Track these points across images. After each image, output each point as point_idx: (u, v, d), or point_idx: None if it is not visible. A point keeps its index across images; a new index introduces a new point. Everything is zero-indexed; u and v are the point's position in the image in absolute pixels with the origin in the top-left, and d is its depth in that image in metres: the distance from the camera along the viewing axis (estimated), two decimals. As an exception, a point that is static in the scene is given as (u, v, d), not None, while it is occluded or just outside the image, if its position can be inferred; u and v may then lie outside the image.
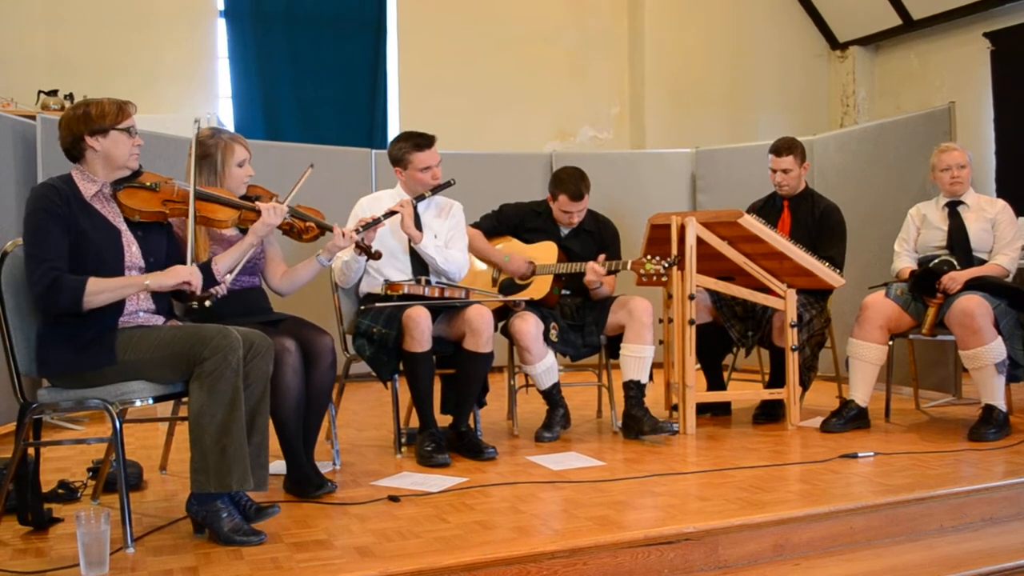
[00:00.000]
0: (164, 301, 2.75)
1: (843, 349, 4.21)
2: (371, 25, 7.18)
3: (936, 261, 4.01)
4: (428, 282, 3.57)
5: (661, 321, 4.23)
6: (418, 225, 3.69)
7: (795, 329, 3.95)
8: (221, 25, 6.84)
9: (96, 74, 6.29)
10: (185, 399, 2.66)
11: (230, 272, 2.89)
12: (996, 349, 3.66)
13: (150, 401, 2.60)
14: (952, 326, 3.75)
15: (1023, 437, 3.69)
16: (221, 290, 2.81)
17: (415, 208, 3.70)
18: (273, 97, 6.89)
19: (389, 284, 3.53)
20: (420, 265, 3.71)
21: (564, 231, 4.11)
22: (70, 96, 6.02)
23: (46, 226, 2.49)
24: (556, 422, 3.90)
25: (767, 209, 4.41)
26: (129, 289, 2.57)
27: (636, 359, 3.83)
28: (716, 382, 4.45)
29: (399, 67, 7.29)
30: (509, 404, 4.15)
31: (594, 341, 3.98)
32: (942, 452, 3.47)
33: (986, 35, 6.81)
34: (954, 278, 3.81)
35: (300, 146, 5.87)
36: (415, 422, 3.67)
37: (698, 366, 4.08)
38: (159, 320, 2.70)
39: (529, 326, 3.75)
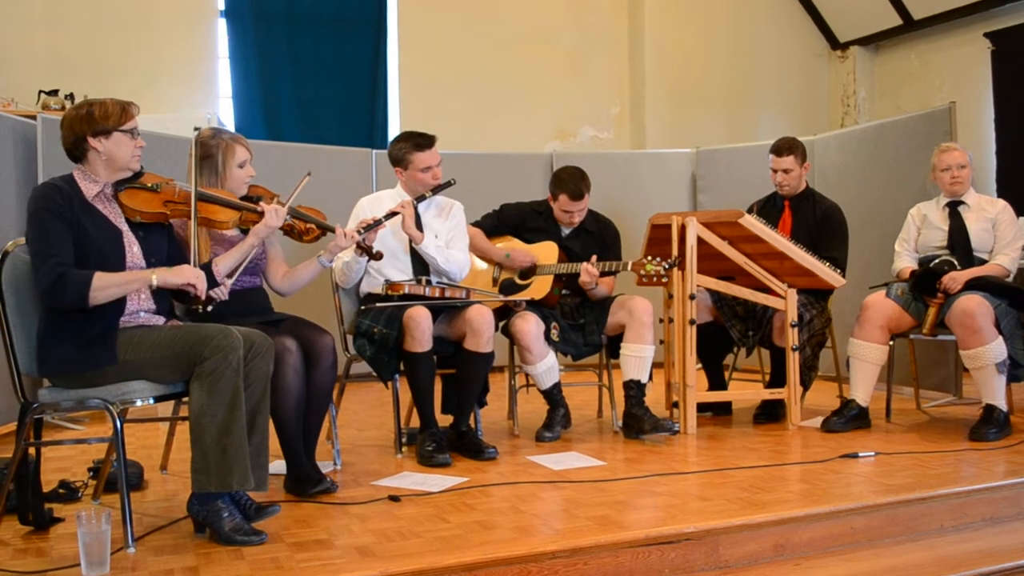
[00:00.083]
0: (165, 301, 2.75)
1: (844, 349, 4.21)
2: (371, 25, 7.18)
3: (937, 261, 4.01)
4: (429, 282, 3.57)
5: (661, 321, 4.23)
6: (419, 225, 3.69)
7: (796, 329, 3.95)
8: (221, 25, 6.85)
9: (96, 74, 6.29)
10: (186, 399, 2.66)
11: (231, 275, 2.90)
12: (997, 349, 3.66)
13: (151, 401, 2.60)
14: (953, 326, 3.75)
15: (1023, 437, 3.70)
16: (223, 294, 2.81)
17: (415, 208, 3.70)
18: (273, 97, 6.89)
19: (390, 284, 3.52)
20: (421, 265, 3.71)
21: (565, 231, 4.11)
22: (71, 96, 6.03)
23: (50, 224, 2.49)
24: (557, 422, 3.90)
25: (768, 209, 4.41)
26: (135, 284, 2.56)
27: (636, 359, 3.83)
28: (717, 382, 4.45)
29: (399, 67, 7.29)
30: (510, 404, 4.15)
31: (595, 340, 3.98)
32: (943, 452, 3.47)
33: (986, 35, 6.81)
34: (954, 278, 3.81)
35: (300, 146, 5.86)
36: (416, 422, 3.67)
37: (699, 366, 4.08)
38: (160, 320, 2.70)
39: (530, 326, 3.75)
